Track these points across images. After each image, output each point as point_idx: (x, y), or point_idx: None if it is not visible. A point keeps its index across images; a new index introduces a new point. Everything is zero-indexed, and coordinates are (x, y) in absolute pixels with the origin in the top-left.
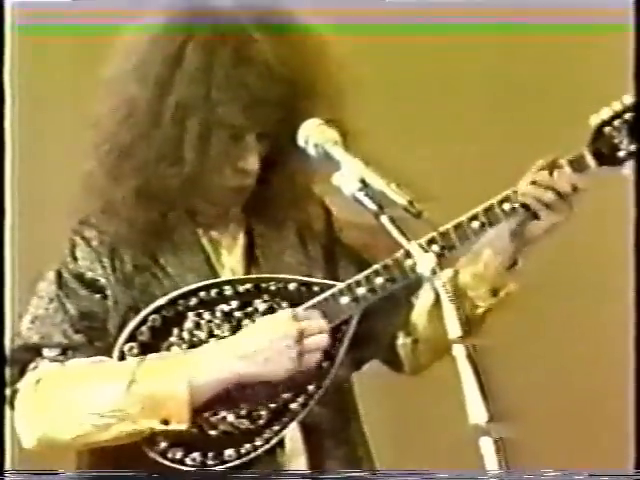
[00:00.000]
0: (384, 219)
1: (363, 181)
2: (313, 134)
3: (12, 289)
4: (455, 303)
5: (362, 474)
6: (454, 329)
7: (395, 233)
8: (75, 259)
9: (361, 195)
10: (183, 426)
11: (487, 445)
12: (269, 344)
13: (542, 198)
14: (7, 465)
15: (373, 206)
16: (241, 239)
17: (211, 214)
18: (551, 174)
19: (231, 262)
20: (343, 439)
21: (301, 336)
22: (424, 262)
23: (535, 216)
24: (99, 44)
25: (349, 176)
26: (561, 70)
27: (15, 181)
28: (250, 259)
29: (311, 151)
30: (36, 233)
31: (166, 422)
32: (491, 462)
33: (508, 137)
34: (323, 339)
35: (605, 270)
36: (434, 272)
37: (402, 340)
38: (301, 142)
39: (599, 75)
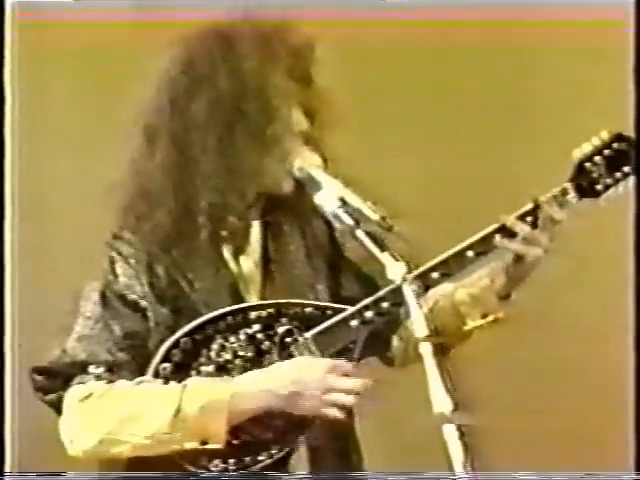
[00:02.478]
0: (359, 233)
1: (342, 200)
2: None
3: (12, 287)
4: (421, 307)
5: (353, 475)
6: (421, 329)
7: (370, 245)
8: (116, 276)
9: (340, 212)
10: (219, 445)
11: (450, 432)
12: (303, 387)
13: (524, 251)
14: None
15: (350, 221)
16: (258, 253)
17: (235, 229)
18: (534, 221)
19: (250, 275)
20: (337, 433)
21: (331, 387)
22: (395, 270)
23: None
24: (99, 44)
25: (329, 195)
26: (552, 78)
27: (15, 181)
28: (266, 272)
29: (296, 173)
30: (36, 233)
31: (205, 442)
32: (454, 448)
33: (486, 153)
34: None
35: (604, 270)
36: (404, 279)
37: (396, 343)
38: (288, 165)
39: (599, 77)
